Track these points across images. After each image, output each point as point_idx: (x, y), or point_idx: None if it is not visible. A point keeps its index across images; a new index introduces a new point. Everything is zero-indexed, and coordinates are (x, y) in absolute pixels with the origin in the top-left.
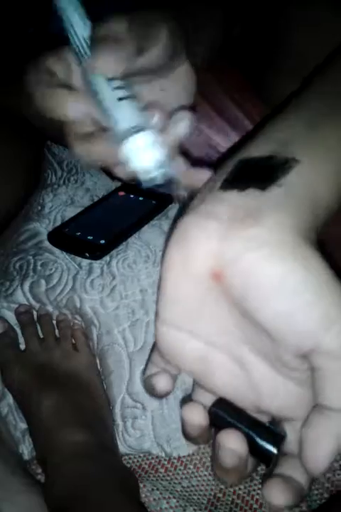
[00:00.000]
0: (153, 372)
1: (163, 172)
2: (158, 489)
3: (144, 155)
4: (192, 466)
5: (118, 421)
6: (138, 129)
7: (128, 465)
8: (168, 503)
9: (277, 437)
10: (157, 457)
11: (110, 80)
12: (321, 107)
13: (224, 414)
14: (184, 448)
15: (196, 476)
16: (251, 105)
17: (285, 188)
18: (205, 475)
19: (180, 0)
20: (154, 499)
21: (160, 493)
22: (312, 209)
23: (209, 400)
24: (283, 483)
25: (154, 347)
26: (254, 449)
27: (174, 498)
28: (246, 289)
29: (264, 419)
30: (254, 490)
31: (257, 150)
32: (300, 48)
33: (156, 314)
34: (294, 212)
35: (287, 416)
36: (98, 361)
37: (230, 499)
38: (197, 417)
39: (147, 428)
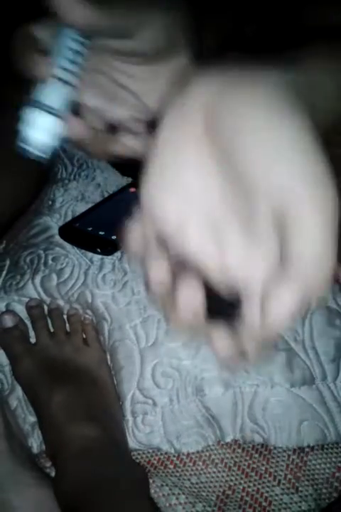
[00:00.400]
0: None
1: (43, 152)
2: (167, 485)
3: (37, 131)
4: (201, 463)
5: (128, 416)
6: (47, 109)
7: (138, 460)
8: (177, 499)
9: (233, 303)
10: (166, 453)
11: (76, 51)
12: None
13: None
14: (193, 445)
15: (205, 473)
16: None
17: (289, 72)
18: (214, 472)
19: None
20: (163, 495)
21: (170, 489)
22: (310, 97)
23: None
24: (231, 338)
25: (137, 210)
26: (211, 311)
27: (183, 494)
28: (234, 139)
29: (225, 291)
30: (263, 487)
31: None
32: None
33: (145, 176)
34: (292, 88)
35: (248, 287)
36: (109, 356)
37: (239, 496)
38: (162, 273)
39: (157, 424)
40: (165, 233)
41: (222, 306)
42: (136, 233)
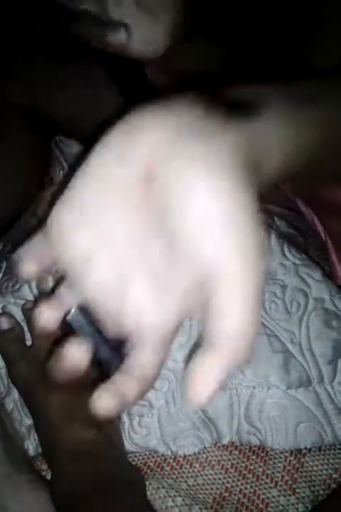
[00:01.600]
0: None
1: None
2: (163, 487)
3: None
4: (197, 465)
5: (125, 418)
6: None
7: (134, 462)
8: (173, 501)
9: (118, 347)
10: (162, 455)
11: None
12: (304, 92)
13: (78, 320)
14: (190, 447)
15: (201, 475)
16: None
17: (244, 128)
18: (211, 474)
19: None
20: (160, 497)
21: (166, 492)
22: (262, 159)
23: (70, 299)
24: (112, 391)
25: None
26: (97, 359)
27: (180, 496)
28: (170, 191)
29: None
30: (260, 489)
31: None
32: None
33: (59, 199)
34: (243, 151)
35: (142, 339)
36: None
37: (236, 498)
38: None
39: (153, 426)
40: (68, 265)
41: (107, 351)
42: (35, 255)
